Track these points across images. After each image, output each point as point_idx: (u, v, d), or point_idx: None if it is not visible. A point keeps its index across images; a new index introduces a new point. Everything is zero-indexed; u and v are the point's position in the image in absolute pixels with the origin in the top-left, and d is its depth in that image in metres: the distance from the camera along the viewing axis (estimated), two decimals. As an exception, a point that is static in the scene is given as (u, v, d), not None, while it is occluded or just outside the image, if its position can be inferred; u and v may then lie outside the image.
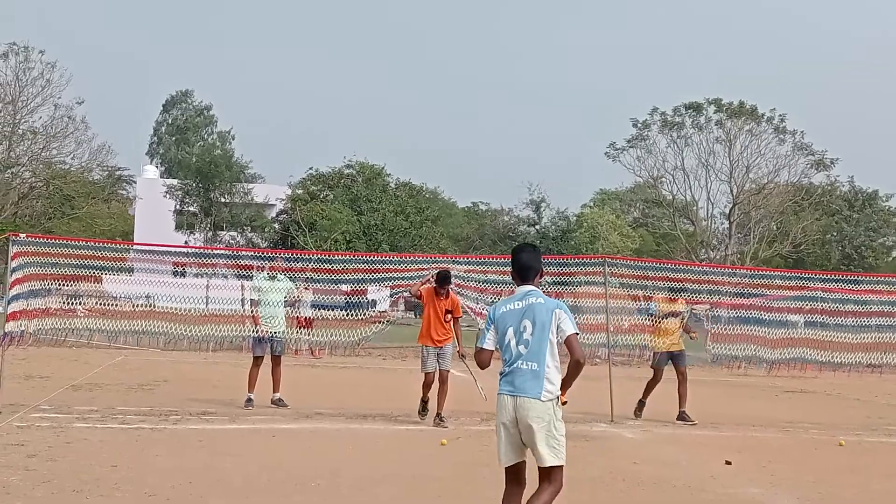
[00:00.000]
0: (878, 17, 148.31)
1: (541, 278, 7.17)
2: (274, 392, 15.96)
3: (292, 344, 18.63)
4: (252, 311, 16.35)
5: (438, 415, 14.65)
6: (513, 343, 6.75)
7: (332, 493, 9.30)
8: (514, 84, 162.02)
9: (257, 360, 15.97)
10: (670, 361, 16.45)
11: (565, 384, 6.92)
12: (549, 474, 6.73)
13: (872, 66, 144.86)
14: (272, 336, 15.91)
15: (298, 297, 18.13)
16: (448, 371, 14.94)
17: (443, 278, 14.77)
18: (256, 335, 16.02)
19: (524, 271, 7.04)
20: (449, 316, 14.99)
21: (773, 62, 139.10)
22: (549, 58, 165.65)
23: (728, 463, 12.13)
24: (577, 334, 6.80)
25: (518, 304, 6.85)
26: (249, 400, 15.75)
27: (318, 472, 10.48)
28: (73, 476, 9.80)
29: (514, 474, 6.85)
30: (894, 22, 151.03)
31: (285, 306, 16.34)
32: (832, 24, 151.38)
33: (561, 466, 6.78)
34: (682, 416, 16.01)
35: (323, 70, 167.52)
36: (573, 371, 6.84)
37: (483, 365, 7.06)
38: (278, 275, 16.58)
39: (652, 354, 16.85)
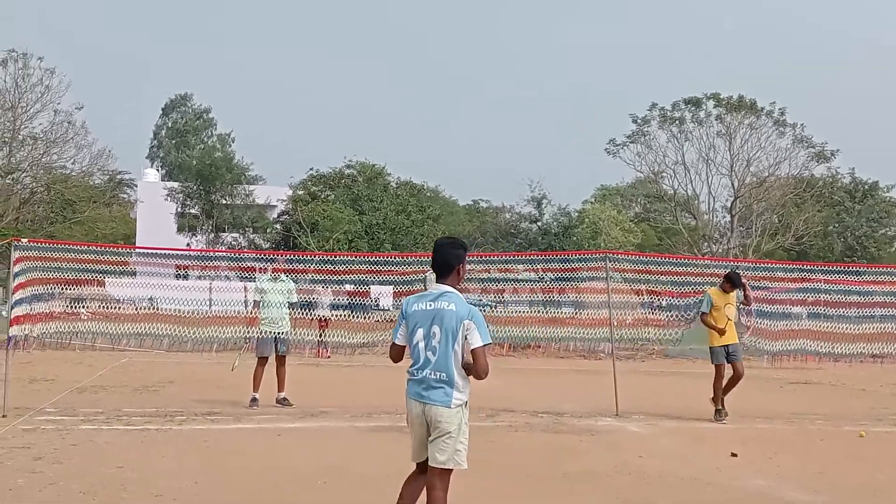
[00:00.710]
0: (878, 16, 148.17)
1: (460, 276, 6.82)
2: (279, 391, 16.00)
3: (308, 345, 18.66)
4: (252, 313, 16.42)
5: None
6: (421, 346, 6.59)
7: (337, 491, 9.31)
8: (514, 83, 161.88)
9: (262, 361, 16.01)
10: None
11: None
12: (441, 476, 6.61)
13: (872, 64, 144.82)
14: (276, 336, 15.96)
15: (317, 298, 18.23)
16: None
17: None
18: (260, 335, 16.08)
19: (441, 268, 6.78)
20: None
21: (772, 61, 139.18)
22: (548, 57, 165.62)
23: (734, 455, 12.13)
24: (488, 345, 6.59)
25: (430, 305, 6.63)
26: (254, 400, 15.79)
27: (323, 471, 10.49)
28: (80, 478, 9.81)
29: (422, 468, 6.78)
30: (893, 20, 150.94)
31: (290, 307, 16.39)
32: (832, 23, 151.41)
33: (451, 471, 6.65)
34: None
35: (321, 71, 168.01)
36: (474, 377, 6.67)
37: (394, 359, 6.96)
38: (281, 276, 16.62)
39: (709, 351, 15.89)
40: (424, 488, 6.72)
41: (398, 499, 6.75)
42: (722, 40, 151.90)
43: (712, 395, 15.69)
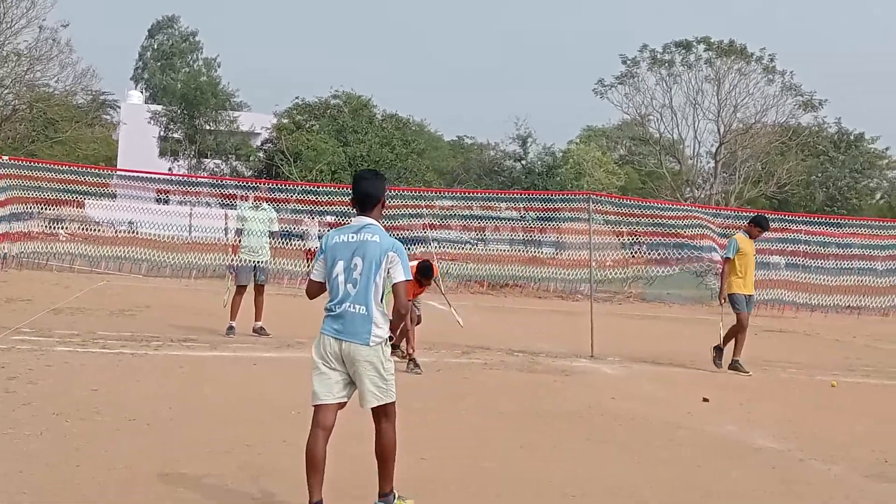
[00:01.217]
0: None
1: (382, 208, 6.61)
2: (256, 320, 15.99)
3: (287, 275, 18.61)
4: (234, 240, 16.37)
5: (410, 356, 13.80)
6: (340, 279, 6.33)
7: (309, 421, 9.34)
8: (505, 22, 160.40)
9: (240, 289, 15.99)
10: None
11: (391, 328, 6.54)
12: (383, 411, 6.43)
13: (865, 20, 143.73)
14: (256, 265, 15.93)
15: (306, 229, 18.18)
16: (418, 313, 14.30)
17: (426, 270, 13.74)
18: (239, 263, 16.04)
19: (364, 200, 6.49)
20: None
21: (766, 6, 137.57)
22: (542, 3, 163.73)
23: (706, 400, 12.21)
24: (408, 281, 6.42)
25: (352, 237, 6.37)
26: (231, 328, 15.78)
27: (296, 402, 10.47)
28: (53, 399, 9.82)
29: (325, 413, 6.39)
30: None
31: (271, 236, 16.34)
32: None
33: (393, 402, 6.47)
34: (734, 365, 15.02)
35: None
36: (395, 321, 6.56)
37: (311, 296, 6.72)
38: (263, 204, 16.56)
39: (729, 298, 15.31)
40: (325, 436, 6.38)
41: (307, 464, 6.29)
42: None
43: (724, 344, 15.32)
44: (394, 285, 6.33)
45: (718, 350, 15.31)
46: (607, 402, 11.84)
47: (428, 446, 8.70)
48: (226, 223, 20.26)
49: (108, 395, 10.26)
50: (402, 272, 6.33)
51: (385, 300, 6.42)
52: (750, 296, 15.35)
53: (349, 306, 6.29)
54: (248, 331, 15.74)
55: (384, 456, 6.40)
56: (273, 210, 16.75)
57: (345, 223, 17.25)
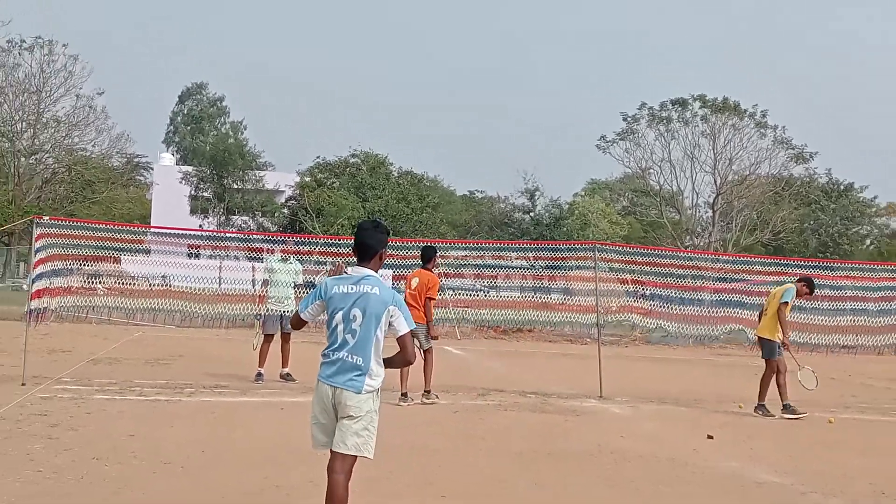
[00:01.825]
0: (855, 34, 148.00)
1: (382, 261, 6.46)
2: (283, 367, 16.00)
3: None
4: (261, 291, 16.43)
5: (426, 391, 14.33)
6: (340, 328, 6.18)
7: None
8: (512, 78, 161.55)
9: (268, 338, 16.03)
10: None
11: (387, 364, 6.37)
12: (345, 461, 6.20)
13: (852, 75, 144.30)
14: (282, 314, 15.95)
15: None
16: (429, 349, 14.35)
17: (427, 251, 14.67)
18: (267, 313, 16.07)
19: (363, 251, 6.35)
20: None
21: (757, 67, 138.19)
22: (545, 56, 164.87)
23: (710, 437, 12.13)
24: (412, 330, 6.28)
25: (352, 289, 6.22)
26: (259, 374, 15.79)
27: (323, 443, 10.50)
28: (93, 445, 9.81)
29: (336, 457, 6.26)
30: (864, 31, 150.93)
31: (295, 287, 16.39)
32: (815, 39, 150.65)
33: (355, 458, 6.24)
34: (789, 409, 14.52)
35: (327, 66, 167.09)
36: (399, 362, 6.41)
37: (294, 328, 6.69)
38: (290, 257, 16.66)
39: (766, 344, 14.92)
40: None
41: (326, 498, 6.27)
42: (711, 46, 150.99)
43: (778, 392, 14.71)
44: (399, 338, 6.22)
45: (785, 406, 14.58)
46: (616, 440, 11.77)
47: (447, 485, 8.66)
48: (253, 275, 20.33)
49: (144, 439, 10.26)
50: (405, 324, 6.21)
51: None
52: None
53: (346, 355, 6.17)
54: (276, 377, 15.73)
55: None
56: (299, 263, 16.82)
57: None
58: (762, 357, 15.08)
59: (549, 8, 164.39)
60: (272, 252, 17.98)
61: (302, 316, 6.48)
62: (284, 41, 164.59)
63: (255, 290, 17.78)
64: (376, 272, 6.38)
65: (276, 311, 15.99)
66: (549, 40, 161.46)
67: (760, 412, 14.62)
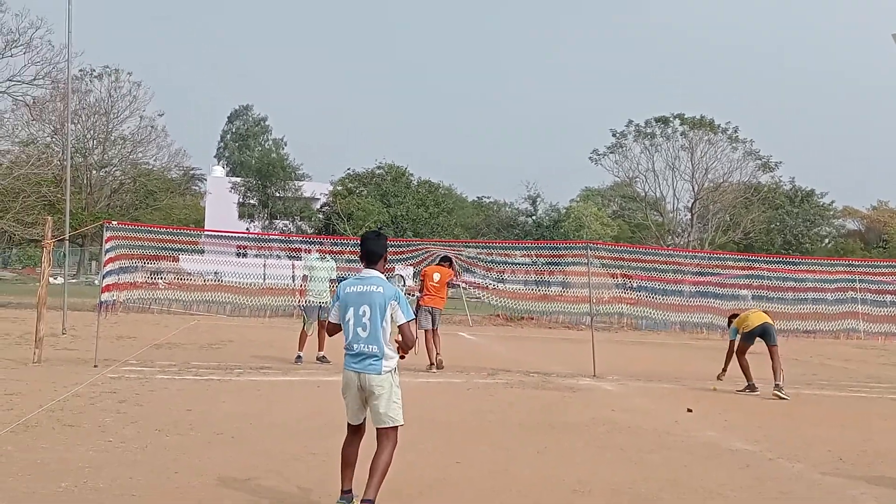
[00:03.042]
0: (821, 50, 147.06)
1: (385, 263, 6.68)
2: (319, 350, 16.04)
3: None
4: (301, 285, 16.49)
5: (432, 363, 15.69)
6: (352, 323, 6.35)
7: (366, 434, 9.31)
8: (518, 98, 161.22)
9: (320, 323, 16.07)
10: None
11: (404, 352, 6.53)
12: (387, 434, 6.38)
13: (814, 91, 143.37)
14: (320, 305, 15.99)
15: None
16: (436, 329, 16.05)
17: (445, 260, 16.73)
18: (307, 304, 16.13)
19: (369, 256, 6.56)
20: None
21: (730, 87, 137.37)
22: (547, 79, 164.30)
23: (690, 411, 12.12)
24: (412, 320, 6.43)
25: (360, 288, 6.41)
26: (299, 357, 15.84)
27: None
28: (155, 418, 9.86)
29: (356, 427, 6.56)
30: (841, 57, 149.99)
31: (331, 282, 16.44)
32: (792, 59, 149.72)
33: (398, 427, 6.43)
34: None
35: (358, 87, 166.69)
36: (404, 349, 6.47)
37: (329, 334, 6.83)
38: (327, 256, 16.79)
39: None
40: (357, 448, 6.54)
41: (341, 461, 6.50)
42: (690, 68, 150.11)
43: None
44: (400, 326, 6.38)
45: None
46: (608, 413, 11.75)
47: (461, 452, 8.67)
48: (293, 272, 20.38)
49: (199, 414, 10.30)
50: (402, 316, 6.37)
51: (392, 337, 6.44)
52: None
53: (363, 346, 6.35)
54: (314, 359, 15.76)
55: (376, 469, 6.26)
56: (333, 260, 16.88)
57: (390, 268, 17.45)
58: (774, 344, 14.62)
59: (541, 47, 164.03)
60: (310, 252, 18.03)
61: (332, 320, 6.67)
62: (319, 69, 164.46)
63: (294, 285, 17.82)
64: (382, 273, 6.57)
65: (316, 302, 16.06)
66: (545, 78, 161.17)
67: (750, 391, 14.52)
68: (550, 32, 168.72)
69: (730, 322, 15.18)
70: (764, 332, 14.59)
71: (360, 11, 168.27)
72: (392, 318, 6.38)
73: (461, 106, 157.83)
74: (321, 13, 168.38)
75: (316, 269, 16.29)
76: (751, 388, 14.65)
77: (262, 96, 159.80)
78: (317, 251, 17.31)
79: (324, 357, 15.96)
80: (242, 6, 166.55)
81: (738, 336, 14.73)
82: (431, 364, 15.55)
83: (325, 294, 16.11)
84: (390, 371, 6.39)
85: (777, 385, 14.15)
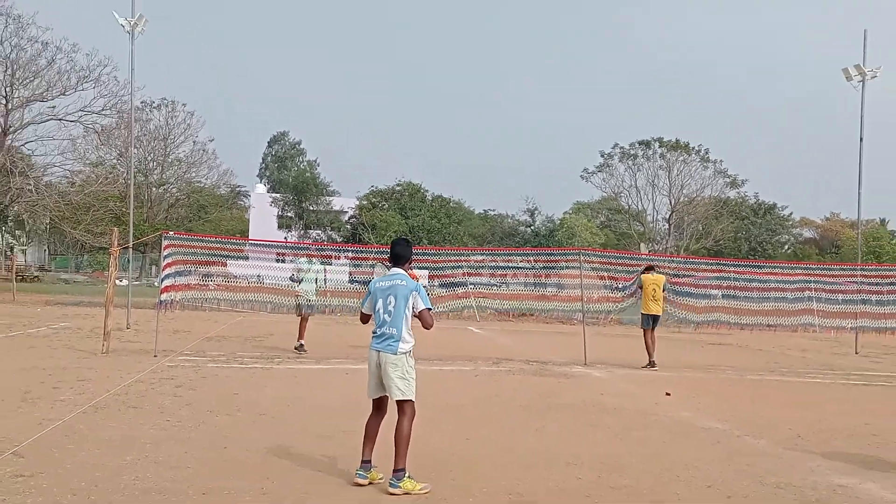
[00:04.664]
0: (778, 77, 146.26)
1: (410, 264, 6.83)
2: (298, 340, 16.03)
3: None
4: (294, 285, 16.41)
5: None
6: (381, 311, 6.48)
7: (389, 414, 9.32)
8: (521, 120, 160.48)
9: (305, 317, 16.17)
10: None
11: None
12: (403, 407, 6.43)
13: (777, 115, 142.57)
14: (310, 302, 16.03)
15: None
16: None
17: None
18: (298, 301, 16.20)
19: (397, 258, 6.72)
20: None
21: (700, 113, 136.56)
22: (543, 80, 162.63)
23: (668, 395, 12.09)
24: (430, 309, 6.55)
25: (388, 283, 6.55)
26: (301, 345, 15.86)
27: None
28: (207, 400, 9.90)
29: (378, 404, 6.62)
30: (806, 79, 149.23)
31: (317, 282, 16.37)
32: (756, 87, 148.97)
33: (411, 401, 6.46)
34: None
35: (379, 112, 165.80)
36: (423, 327, 6.60)
37: (363, 322, 6.89)
38: (314, 260, 16.83)
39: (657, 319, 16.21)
40: (378, 426, 6.59)
41: (364, 435, 6.53)
42: (669, 99, 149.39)
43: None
44: (419, 312, 6.51)
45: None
46: (597, 397, 11.74)
47: (470, 431, 8.68)
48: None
49: (245, 397, 10.33)
50: (422, 303, 6.51)
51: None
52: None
53: (387, 329, 6.47)
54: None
55: (399, 439, 6.31)
56: (320, 264, 17.04)
57: (412, 273, 17.61)
58: (651, 328, 16.03)
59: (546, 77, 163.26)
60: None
61: (364, 311, 6.79)
62: (351, 95, 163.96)
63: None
64: (406, 272, 6.71)
65: (304, 300, 16.09)
66: (545, 79, 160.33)
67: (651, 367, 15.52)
68: (550, 33, 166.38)
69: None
70: (656, 321, 16.11)
71: (360, 12, 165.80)
72: (413, 306, 6.49)
73: (461, 106, 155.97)
74: (321, 13, 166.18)
75: (305, 272, 16.23)
76: (652, 364, 15.61)
77: (263, 96, 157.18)
78: (306, 255, 17.34)
79: (301, 345, 15.89)
80: (242, 5, 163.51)
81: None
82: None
83: (311, 293, 16.10)
84: (405, 353, 6.46)
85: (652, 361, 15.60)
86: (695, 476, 7.10)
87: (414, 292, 6.52)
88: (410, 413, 6.44)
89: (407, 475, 6.22)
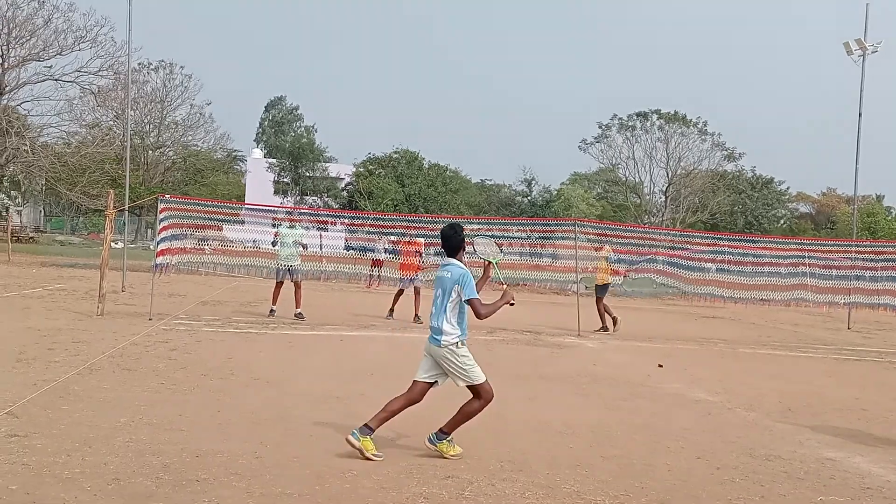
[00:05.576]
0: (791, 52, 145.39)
1: (463, 251, 6.70)
2: (296, 308, 15.97)
3: (362, 277, 18.60)
4: (272, 249, 16.29)
5: (416, 315, 16.31)
6: (434, 301, 6.57)
7: (381, 381, 9.37)
8: (514, 91, 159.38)
9: (279, 284, 16.06)
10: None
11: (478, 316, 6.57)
12: (474, 392, 6.52)
13: (776, 89, 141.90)
14: (289, 267, 15.93)
15: (374, 245, 18.27)
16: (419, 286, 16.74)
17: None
18: (277, 266, 16.07)
19: (448, 248, 6.67)
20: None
21: (702, 84, 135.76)
22: (540, 78, 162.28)
23: (660, 366, 12.14)
24: (476, 298, 6.44)
25: (440, 274, 6.57)
26: (272, 311, 15.82)
27: (372, 367, 10.57)
28: (202, 364, 9.92)
29: (415, 387, 6.54)
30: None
31: (298, 247, 16.16)
32: (757, 58, 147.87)
33: (482, 384, 6.51)
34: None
35: (378, 77, 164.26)
36: (478, 316, 6.54)
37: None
38: (296, 224, 16.74)
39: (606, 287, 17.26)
40: (403, 403, 6.52)
41: (385, 406, 6.44)
42: (667, 67, 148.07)
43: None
44: (467, 300, 6.45)
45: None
46: (589, 367, 11.79)
47: (462, 398, 8.67)
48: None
49: (239, 361, 10.35)
50: (467, 293, 6.43)
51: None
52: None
53: (433, 321, 6.53)
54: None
55: (462, 412, 6.50)
56: (302, 228, 16.98)
57: (399, 242, 17.63)
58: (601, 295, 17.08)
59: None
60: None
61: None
62: (350, 61, 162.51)
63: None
64: (460, 260, 6.63)
65: (284, 265, 15.96)
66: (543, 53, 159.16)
67: (603, 331, 16.53)
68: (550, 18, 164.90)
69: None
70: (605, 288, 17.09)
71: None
72: (459, 297, 6.45)
73: (461, 75, 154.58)
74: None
75: (285, 236, 16.06)
76: (604, 329, 16.63)
77: (295, 85, 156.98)
78: (287, 220, 17.20)
79: (300, 314, 15.83)
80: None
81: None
82: (416, 316, 16.37)
83: (293, 258, 16.00)
84: (450, 345, 6.44)
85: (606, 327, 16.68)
86: (685, 447, 7.15)
87: (456, 285, 6.46)
88: (481, 396, 6.52)
89: (448, 439, 6.44)
